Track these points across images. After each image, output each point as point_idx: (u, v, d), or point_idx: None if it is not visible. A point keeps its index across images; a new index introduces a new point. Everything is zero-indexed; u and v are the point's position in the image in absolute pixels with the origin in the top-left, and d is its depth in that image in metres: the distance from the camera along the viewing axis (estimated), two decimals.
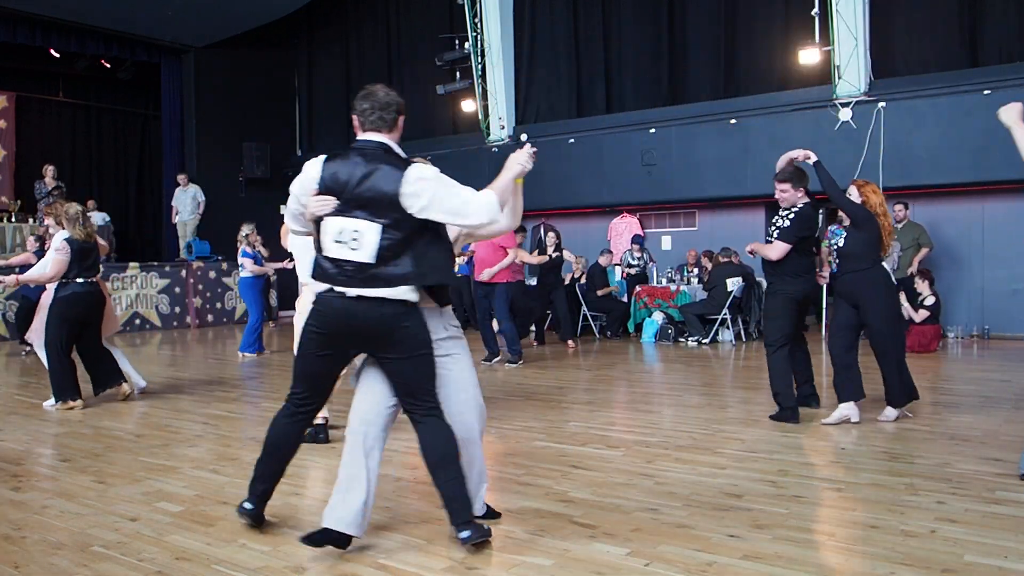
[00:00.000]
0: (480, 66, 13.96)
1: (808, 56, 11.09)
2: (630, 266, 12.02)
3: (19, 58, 15.73)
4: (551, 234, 10.69)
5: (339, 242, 2.96)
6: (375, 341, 3.03)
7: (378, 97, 3.09)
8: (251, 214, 15.89)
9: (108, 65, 16.77)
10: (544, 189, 13.31)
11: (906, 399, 5.31)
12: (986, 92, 9.80)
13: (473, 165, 14.09)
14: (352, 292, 2.95)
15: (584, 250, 12.38)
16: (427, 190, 2.91)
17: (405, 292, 2.96)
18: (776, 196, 5.53)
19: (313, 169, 3.09)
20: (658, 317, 10.77)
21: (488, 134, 14.11)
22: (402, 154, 3.10)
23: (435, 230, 3.04)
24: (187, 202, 14.80)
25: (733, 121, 11.61)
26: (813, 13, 10.82)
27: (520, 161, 3.18)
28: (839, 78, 10.73)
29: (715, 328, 10.26)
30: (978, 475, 4.04)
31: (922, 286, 9.36)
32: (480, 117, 14.23)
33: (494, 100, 13.95)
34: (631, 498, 3.75)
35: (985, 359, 8.84)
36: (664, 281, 11.75)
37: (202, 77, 15.95)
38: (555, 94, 13.92)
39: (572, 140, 13.09)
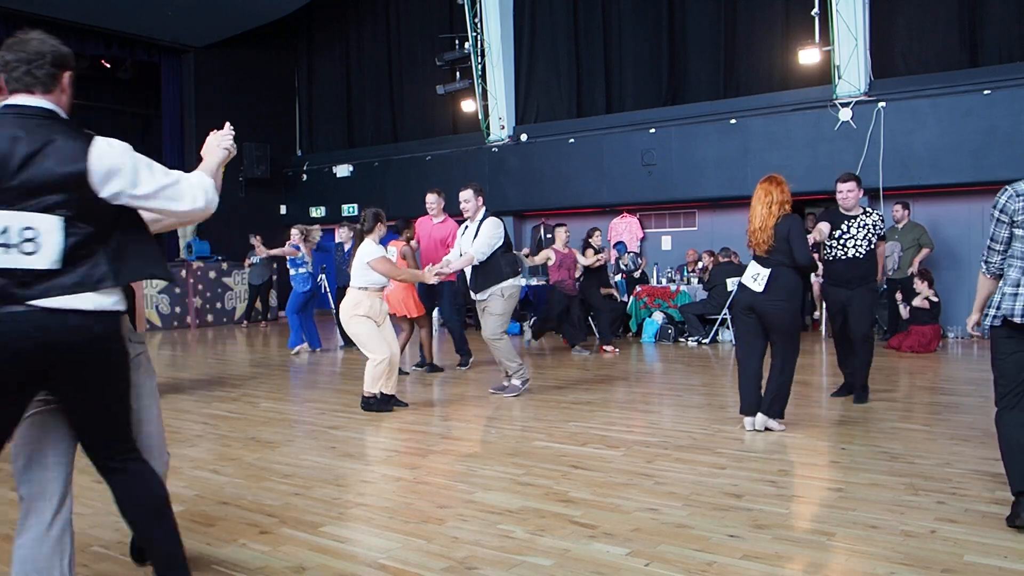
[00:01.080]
0: (480, 66, 13.96)
1: (808, 56, 11.10)
2: (621, 271, 12.03)
3: None
4: (596, 233, 10.18)
5: (2, 245, 2.16)
6: (62, 372, 2.25)
7: (29, 46, 2.40)
8: (251, 214, 15.99)
9: (108, 65, 16.79)
10: (544, 189, 13.33)
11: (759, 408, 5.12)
12: (986, 92, 9.81)
13: (473, 165, 14.11)
14: (22, 306, 2.17)
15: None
16: (124, 167, 2.28)
17: (106, 298, 2.26)
18: (841, 198, 5.97)
19: None
20: (658, 317, 10.77)
21: (488, 134, 14.12)
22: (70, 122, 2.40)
23: (131, 216, 2.38)
24: None
25: (733, 121, 11.61)
26: (813, 13, 10.82)
27: (226, 146, 2.71)
28: (839, 78, 10.74)
29: (715, 328, 10.26)
30: (978, 475, 4.04)
31: (921, 286, 9.36)
32: (480, 117, 14.23)
33: (494, 100, 13.96)
34: (631, 498, 3.75)
35: (985, 359, 8.77)
36: (664, 281, 11.76)
37: (202, 77, 15.96)
38: (555, 94, 13.92)
39: (572, 140, 13.09)
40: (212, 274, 14.48)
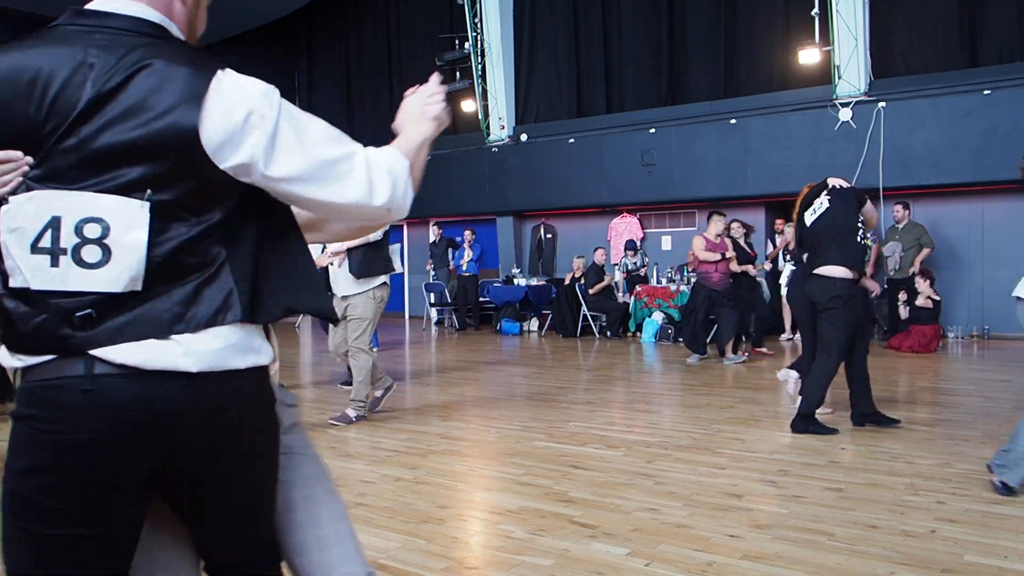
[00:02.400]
0: (480, 66, 13.96)
1: (808, 56, 11.10)
2: (628, 271, 12.02)
3: None
4: (735, 224, 9.41)
5: (44, 251, 1.25)
6: (167, 468, 1.32)
7: None
8: None
9: None
10: (544, 189, 13.32)
11: None
12: (986, 92, 9.81)
13: (473, 165, 14.11)
14: (82, 360, 1.24)
15: (584, 250, 12.39)
16: (261, 123, 1.31)
17: (237, 342, 1.33)
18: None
19: None
20: (658, 317, 10.77)
21: (488, 134, 14.12)
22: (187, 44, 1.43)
23: (271, 206, 1.41)
24: None
25: (733, 121, 11.61)
26: (813, 13, 10.82)
27: (434, 113, 1.67)
28: (839, 78, 10.74)
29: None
30: (978, 475, 4.03)
31: (923, 286, 9.37)
32: (480, 117, 14.23)
33: (494, 100, 13.96)
34: (631, 498, 3.75)
35: (985, 359, 8.84)
36: (664, 281, 11.75)
37: None
38: (555, 94, 13.93)
39: (572, 140, 13.09)
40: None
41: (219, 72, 1.31)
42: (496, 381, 7.59)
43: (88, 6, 1.36)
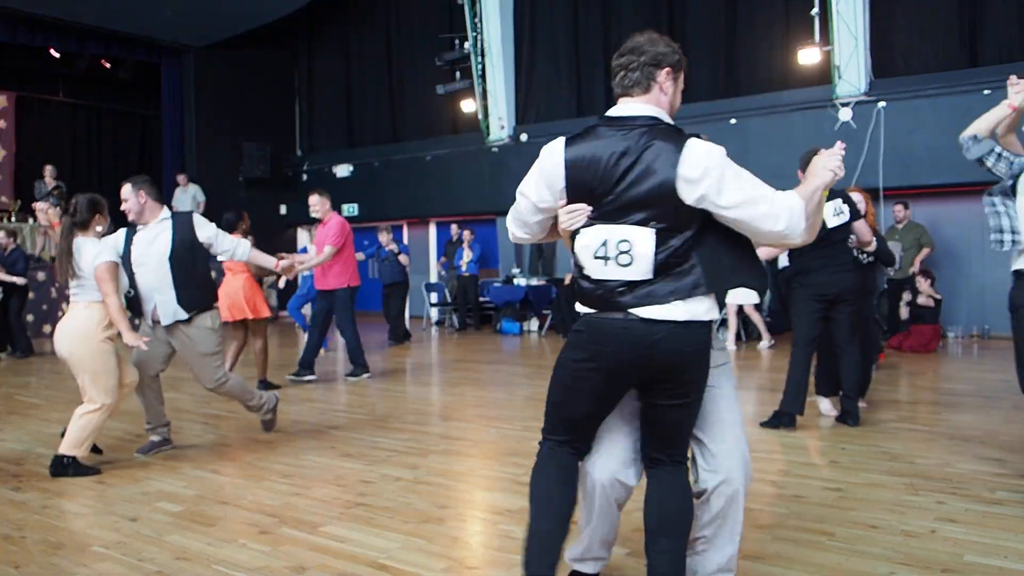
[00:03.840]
0: (480, 66, 13.95)
1: (808, 56, 11.09)
2: None
3: (19, 58, 15.75)
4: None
5: (602, 258, 2.29)
6: (651, 377, 2.33)
7: (626, 46, 2.38)
8: (251, 214, 15.91)
9: (108, 65, 16.80)
10: None
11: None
12: (986, 92, 9.79)
13: (473, 165, 14.10)
14: (621, 314, 2.28)
15: None
16: (710, 172, 2.19)
17: (698, 306, 2.28)
18: None
19: (555, 155, 2.36)
20: None
21: (488, 134, 14.11)
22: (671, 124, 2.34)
23: (722, 226, 2.30)
24: (187, 202, 14.79)
25: (733, 121, 11.61)
26: (813, 13, 10.81)
27: (830, 167, 2.32)
28: (839, 78, 10.73)
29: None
30: (978, 475, 4.03)
31: (923, 285, 9.36)
32: (480, 117, 14.22)
33: (494, 100, 13.95)
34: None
35: (985, 359, 8.84)
36: None
37: (202, 77, 15.95)
38: (555, 94, 13.91)
39: None
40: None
41: (688, 141, 2.22)
42: (496, 381, 7.59)
43: (611, 113, 2.36)
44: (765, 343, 9.81)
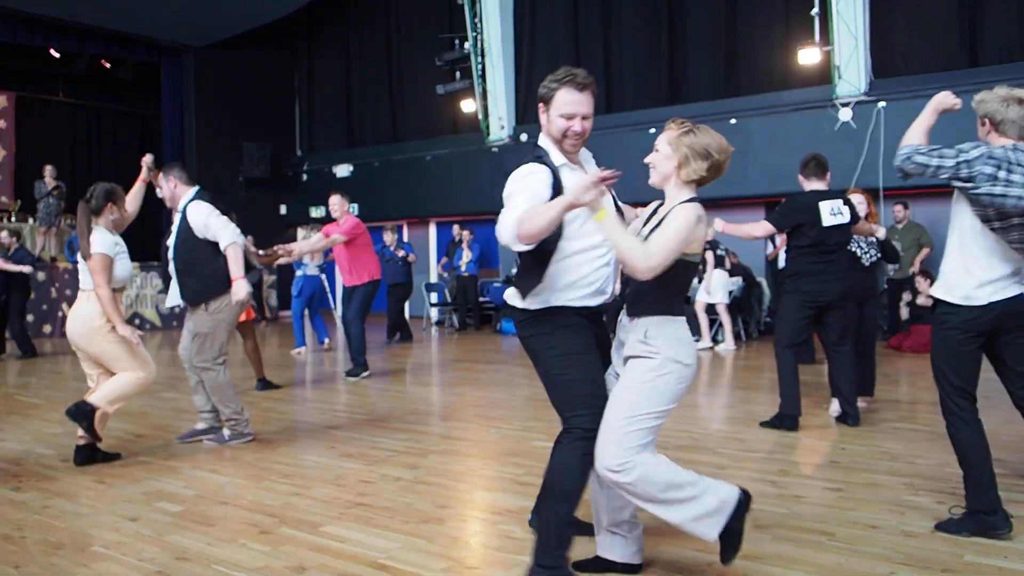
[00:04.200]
0: (480, 66, 13.96)
1: (808, 56, 11.09)
2: None
3: (19, 58, 15.76)
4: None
5: None
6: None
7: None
8: (251, 214, 15.95)
9: (108, 65, 16.81)
10: None
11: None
12: None
13: (473, 165, 14.10)
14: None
15: None
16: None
17: None
18: None
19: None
20: None
21: (488, 134, 14.11)
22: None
23: None
24: None
25: (733, 121, 11.60)
26: (813, 13, 10.82)
27: (586, 199, 2.48)
28: (839, 78, 10.73)
29: (715, 328, 10.25)
30: None
31: (923, 285, 9.36)
32: (480, 117, 14.23)
33: (494, 100, 13.95)
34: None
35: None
36: None
37: (202, 77, 15.96)
38: None
39: None
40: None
41: None
42: (496, 381, 7.59)
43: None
44: (728, 346, 9.67)
